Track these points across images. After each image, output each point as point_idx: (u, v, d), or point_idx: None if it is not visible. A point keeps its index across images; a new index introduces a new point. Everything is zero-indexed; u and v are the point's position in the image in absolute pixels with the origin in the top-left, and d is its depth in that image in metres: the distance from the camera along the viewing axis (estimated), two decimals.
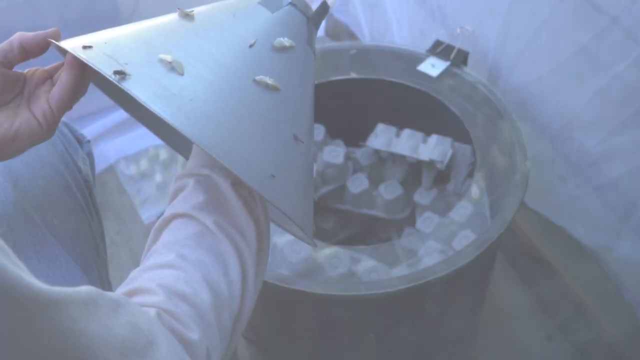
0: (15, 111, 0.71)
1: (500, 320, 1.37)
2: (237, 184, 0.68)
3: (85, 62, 0.64)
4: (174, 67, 0.65)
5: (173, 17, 0.71)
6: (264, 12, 0.73)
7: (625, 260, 1.17)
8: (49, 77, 0.73)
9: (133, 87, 0.63)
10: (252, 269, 0.66)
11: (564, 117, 1.17)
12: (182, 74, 0.65)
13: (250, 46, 0.71)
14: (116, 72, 0.63)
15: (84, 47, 0.65)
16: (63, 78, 0.70)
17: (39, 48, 0.71)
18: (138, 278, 0.61)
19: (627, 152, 1.09)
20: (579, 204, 1.21)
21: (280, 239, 0.94)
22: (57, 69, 0.73)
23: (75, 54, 0.65)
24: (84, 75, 0.70)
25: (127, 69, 0.63)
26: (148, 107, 0.63)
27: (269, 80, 0.71)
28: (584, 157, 1.16)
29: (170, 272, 0.60)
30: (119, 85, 0.63)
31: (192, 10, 0.70)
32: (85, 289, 0.49)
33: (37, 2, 1.54)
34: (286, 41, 0.73)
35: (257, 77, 0.70)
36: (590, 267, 1.23)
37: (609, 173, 1.13)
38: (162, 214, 0.69)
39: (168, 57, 0.65)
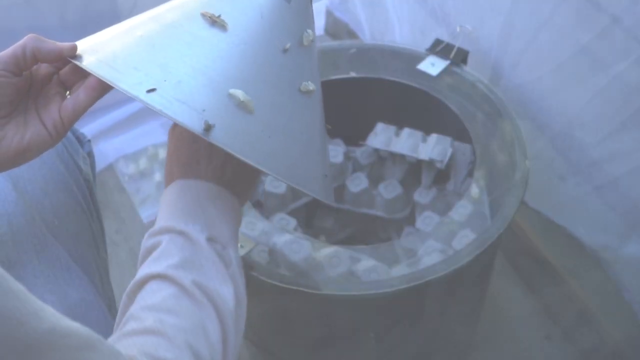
0: (24, 119, 0.70)
1: (500, 320, 1.37)
2: (212, 239, 0.65)
3: (169, 118, 0.63)
4: (245, 105, 0.66)
5: (198, 20, 0.68)
6: (282, 4, 0.72)
7: (626, 260, 1.17)
8: (55, 71, 0.72)
9: (222, 140, 0.64)
10: (232, 328, 0.63)
11: (564, 116, 1.17)
12: (253, 112, 0.66)
13: (285, 51, 0.70)
14: (204, 128, 0.63)
15: (149, 91, 0.63)
16: (81, 97, 0.69)
17: (52, 60, 0.69)
18: (117, 344, 0.58)
19: (627, 151, 1.09)
20: (580, 204, 1.21)
21: (280, 239, 0.94)
22: (64, 63, 0.71)
23: (146, 104, 0.63)
24: (103, 94, 0.70)
25: (208, 118, 0.63)
26: (238, 156, 0.64)
27: (311, 86, 0.71)
28: (584, 156, 1.16)
29: (151, 338, 0.58)
30: (207, 139, 0.63)
31: (220, 15, 0.68)
32: (86, 332, 0.48)
33: (37, 1, 1.54)
34: (311, 35, 0.73)
35: (302, 87, 0.71)
36: (591, 267, 1.23)
37: (610, 172, 1.13)
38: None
39: (239, 95, 0.65)
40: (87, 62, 0.67)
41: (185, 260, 0.63)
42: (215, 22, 0.68)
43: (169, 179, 0.71)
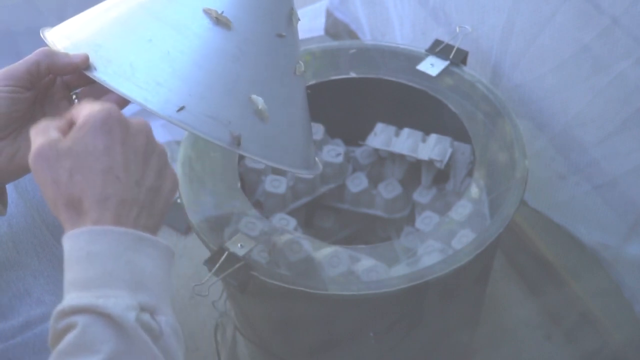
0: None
1: (500, 320, 1.37)
2: (141, 308, 0.54)
3: (202, 136, 0.64)
4: (261, 112, 0.67)
5: (202, 19, 0.67)
6: None
7: (627, 260, 1.17)
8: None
9: (248, 149, 0.65)
10: None
11: (564, 116, 1.17)
12: (268, 118, 0.67)
13: (280, 37, 0.71)
14: (235, 142, 0.64)
15: (179, 110, 0.64)
16: None
17: (66, 74, 0.69)
18: None
19: (627, 151, 1.09)
20: (579, 203, 1.21)
21: (280, 239, 0.94)
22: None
23: (179, 125, 0.63)
24: (122, 108, 0.69)
25: (233, 129, 0.64)
26: (266, 163, 0.66)
27: (302, 67, 0.73)
28: (585, 155, 1.16)
29: None
30: (237, 151, 0.65)
31: (222, 12, 0.68)
32: None
33: (37, 1, 1.54)
34: (296, 12, 0.73)
35: (297, 71, 0.72)
36: (592, 266, 1.23)
37: (610, 172, 1.13)
38: None
39: (258, 103, 0.66)
40: (107, 76, 0.66)
41: (110, 356, 0.52)
42: (219, 20, 0.68)
43: (72, 218, 0.56)
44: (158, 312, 0.55)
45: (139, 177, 0.58)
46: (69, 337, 0.52)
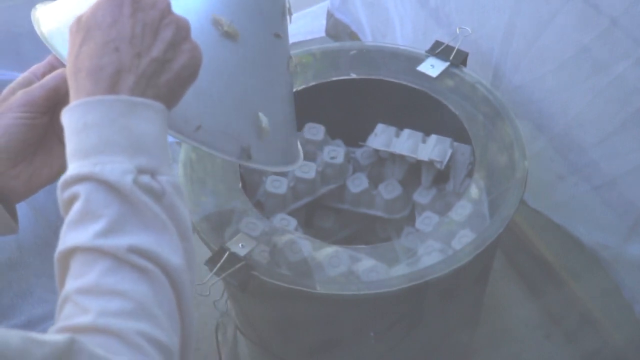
0: (50, 147, 0.68)
1: (499, 320, 1.37)
2: (139, 170, 0.55)
3: (217, 155, 0.64)
4: (263, 128, 0.67)
5: (209, 30, 0.66)
6: None
7: (626, 259, 1.17)
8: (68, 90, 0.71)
9: (256, 159, 0.65)
10: (185, 279, 0.56)
11: (564, 116, 1.17)
12: (269, 134, 0.68)
13: (278, 36, 0.71)
14: (245, 155, 0.65)
15: (196, 130, 0.63)
16: None
17: None
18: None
19: (626, 151, 1.09)
20: (579, 203, 1.21)
21: (280, 239, 0.94)
22: None
23: (197, 145, 0.62)
24: None
25: (243, 143, 0.65)
26: (270, 170, 0.69)
27: (294, 61, 0.73)
28: (584, 156, 1.16)
29: (98, 339, 0.50)
30: (248, 164, 0.66)
31: (231, 22, 0.66)
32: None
33: (37, 2, 1.54)
34: (290, 6, 0.73)
35: (291, 68, 0.72)
36: (591, 266, 1.23)
37: (609, 172, 1.13)
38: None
39: (263, 122, 0.67)
40: None
41: (113, 222, 0.53)
42: (227, 33, 0.66)
43: (73, 90, 0.58)
44: (159, 172, 0.56)
45: (142, 49, 0.57)
46: (75, 207, 0.54)
